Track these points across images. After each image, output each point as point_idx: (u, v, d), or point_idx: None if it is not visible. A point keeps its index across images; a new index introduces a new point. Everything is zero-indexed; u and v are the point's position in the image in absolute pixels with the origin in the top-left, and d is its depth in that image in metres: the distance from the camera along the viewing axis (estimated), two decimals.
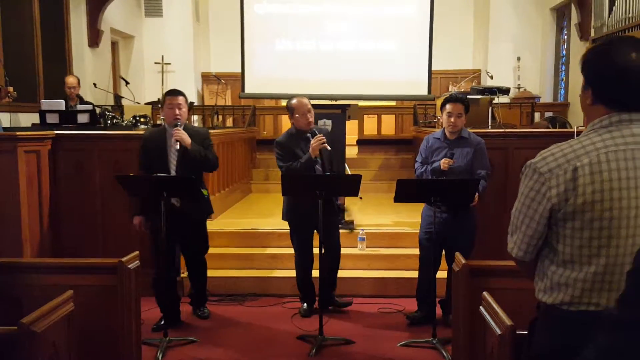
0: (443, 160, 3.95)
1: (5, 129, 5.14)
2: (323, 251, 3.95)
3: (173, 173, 4.01)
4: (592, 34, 8.44)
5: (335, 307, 4.49)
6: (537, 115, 9.42)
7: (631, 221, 1.53)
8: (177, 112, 3.99)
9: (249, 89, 8.58)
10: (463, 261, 2.92)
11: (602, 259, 1.55)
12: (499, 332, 2.17)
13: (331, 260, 4.39)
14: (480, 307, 2.49)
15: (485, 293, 2.48)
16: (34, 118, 6.11)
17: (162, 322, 4.03)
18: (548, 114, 9.52)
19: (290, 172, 4.11)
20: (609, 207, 1.53)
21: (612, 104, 1.59)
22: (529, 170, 1.65)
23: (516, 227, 1.70)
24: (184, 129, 4.00)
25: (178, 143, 3.92)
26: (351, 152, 8.71)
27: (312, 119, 4.22)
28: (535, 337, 1.71)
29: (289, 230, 4.69)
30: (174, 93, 4.08)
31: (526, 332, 1.84)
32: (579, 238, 1.57)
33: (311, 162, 4.11)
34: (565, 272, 1.61)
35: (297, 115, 4.18)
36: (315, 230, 4.28)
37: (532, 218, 1.64)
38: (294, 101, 4.20)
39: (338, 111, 5.90)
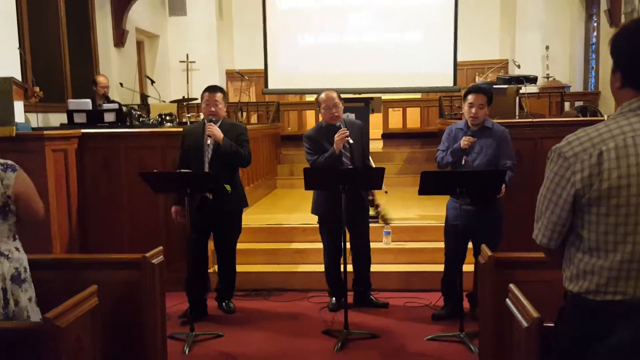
0: (464, 138, 3.88)
1: (34, 129, 5.21)
2: (347, 251, 3.93)
3: (207, 168, 4.08)
4: (623, 20, 8.21)
5: (371, 306, 4.44)
6: (567, 105, 9.21)
7: None
8: (213, 108, 4.08)
9: (272, 84, 8.58)
10: (489, 253, 2.85)
11: (629, 246, 1.49)
12: (525, 324, 2.10)
13: (359, 260, 4.37)
14: (507, 300, 2.43)
15: (511, 285, 2.41)
16: (62, 118, 6.22)
17: (189, 312, 4.06)
18: (578, 103, 9.30)
19: (315, 166, 4.10)
20: (635, 193, 1.47)
21: None
22: (554, 155, 1.60)
23: (541, 212, 1.65)
24: (221, 124, 4.10)
25: (210, 138, 4.01)
26: (376, 146, 8.63)
27: (338, 113, 4.17)
28: (561, 327, 1.67)
29: (314, 225, 4.65)
30: (212, 89, 4.18)
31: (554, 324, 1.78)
32: (604, 224, 1.51)
33: (335, 156, 4.09)
34: (591, 259, 1.55)
35: (322, 110, 4.19)
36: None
37: (556, 204, 1.59)
38: (321, 95, 4.21)
39: (361, 104, 5.87)
